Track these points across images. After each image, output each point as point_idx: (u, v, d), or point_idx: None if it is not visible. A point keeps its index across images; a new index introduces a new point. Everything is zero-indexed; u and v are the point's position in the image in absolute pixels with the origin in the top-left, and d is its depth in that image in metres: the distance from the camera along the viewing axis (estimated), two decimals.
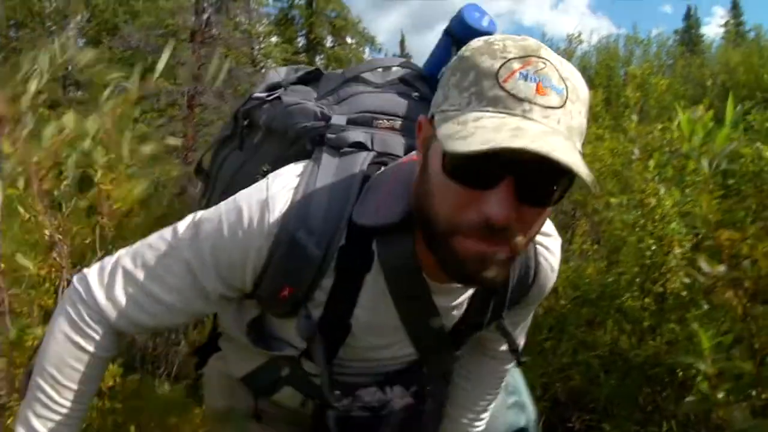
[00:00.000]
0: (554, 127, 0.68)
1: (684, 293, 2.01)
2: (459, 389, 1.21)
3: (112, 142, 1.43)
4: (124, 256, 0.93)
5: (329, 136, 0.94)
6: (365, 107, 1.01)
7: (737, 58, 9.52)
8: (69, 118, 1.34)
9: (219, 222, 0.87)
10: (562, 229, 4.57)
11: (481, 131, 0.65)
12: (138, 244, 0.93)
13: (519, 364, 1.15)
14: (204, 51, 15.60)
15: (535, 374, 2.54)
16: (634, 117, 2.12)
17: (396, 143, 0.96)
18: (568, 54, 11.05)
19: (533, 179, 0.69)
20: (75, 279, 0.94)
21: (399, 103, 1.02)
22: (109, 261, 0.94)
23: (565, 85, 0.71)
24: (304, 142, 0.97)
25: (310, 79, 1.12)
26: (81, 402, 0.93)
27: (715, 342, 1.27)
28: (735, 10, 36.46)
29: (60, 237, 1.30)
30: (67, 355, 0.90)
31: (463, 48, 0.75)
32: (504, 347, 1.11)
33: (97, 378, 0.97)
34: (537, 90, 0.68)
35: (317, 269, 0.84)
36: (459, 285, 0.89)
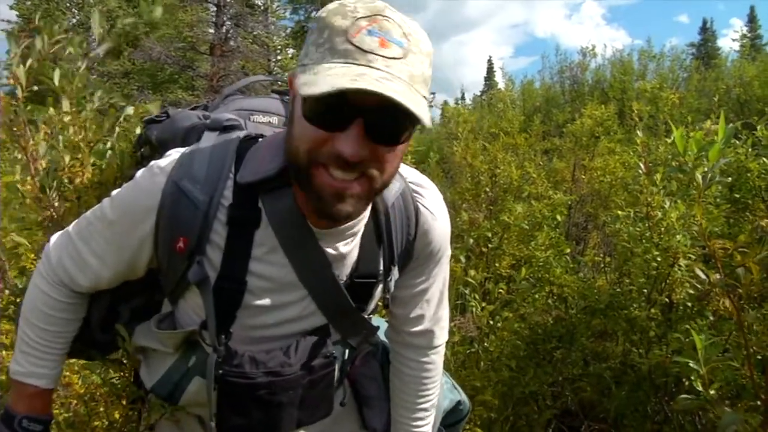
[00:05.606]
0: (395, 74, 0.80)
1: (690, 304, 2.05)
2: (393, 387, 1.27)
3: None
4: (73, 225, 1.09)
5: (207, 122, 1.08)
6: (241, 107, 1.18)
7: (752, 71, 9.48)
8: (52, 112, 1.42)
9: (124, 190, 1.02)
10: (573, 241, 4.61)
11: (329, 78, 0.77)
12: (83, 215, 1.09)
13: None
14: (222, 64, 15.88)
15: (543, 382, 2.58)
16: (640, 133, 2.17)
17: (269, 133, 1.06)
18: (581, 67, 11.04)
19: (380, 120, 0.81)
20: (47, 245, 1.11)
21: (271, 103, 1.21)
22: (66, 229, 1.10)
23: (408, 40, 0.82)
24: (192, 141, 1.07)
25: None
26: (54, 341, 1.10)
27: (708, 343, 1.33)
28: (752, 23, 36.24)
29: (48, 214, 1.42)
30: (37, 302, 1.08)
31: (320, 11, 0.86)
32: (420, 327, 1.19)
33: (65, 322, 1.10)
34: (380, 44, 0.80)
35: (204, 216, 0.94)
36: (341, 227, 0.99)
